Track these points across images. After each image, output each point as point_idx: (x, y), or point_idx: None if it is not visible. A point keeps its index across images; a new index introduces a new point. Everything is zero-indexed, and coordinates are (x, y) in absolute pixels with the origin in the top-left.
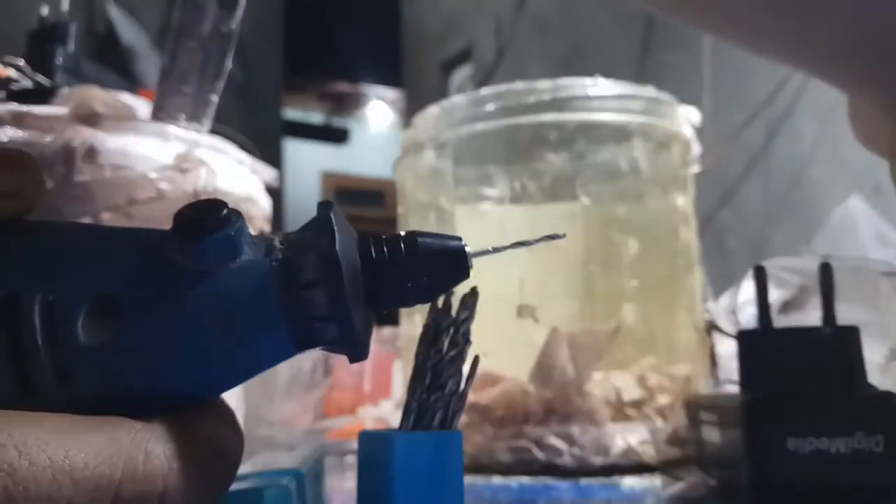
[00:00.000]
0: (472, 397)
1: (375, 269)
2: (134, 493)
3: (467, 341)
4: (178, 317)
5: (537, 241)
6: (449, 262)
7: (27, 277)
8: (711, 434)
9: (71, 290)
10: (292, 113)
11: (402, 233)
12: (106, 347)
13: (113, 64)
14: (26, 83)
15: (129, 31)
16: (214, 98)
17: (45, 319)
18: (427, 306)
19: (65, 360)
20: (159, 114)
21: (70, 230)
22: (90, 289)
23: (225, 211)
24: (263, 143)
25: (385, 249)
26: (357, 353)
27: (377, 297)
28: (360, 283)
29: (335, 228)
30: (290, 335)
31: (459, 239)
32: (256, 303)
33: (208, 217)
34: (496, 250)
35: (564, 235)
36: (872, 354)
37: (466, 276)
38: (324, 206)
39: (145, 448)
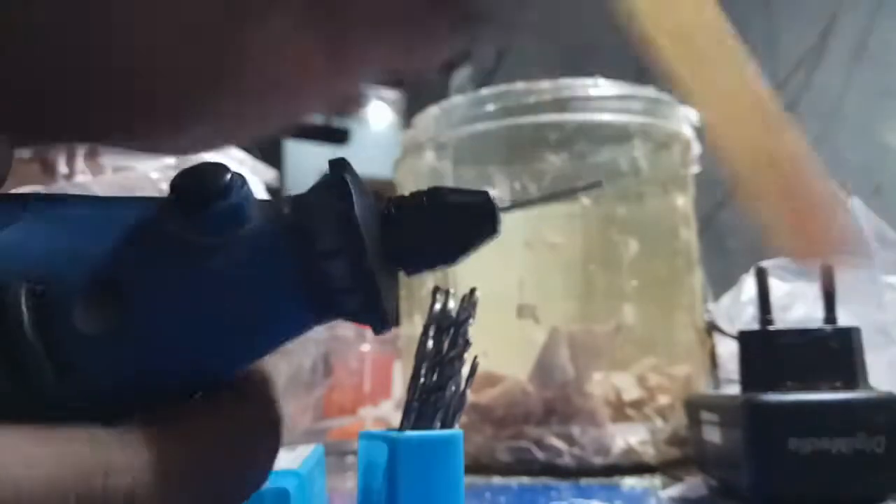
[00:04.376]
0: (472, 397)
1: (396, 230)
2: None
3: (467, 341)
4: (184, 297)
5: (574, 191)
6: (475, 218)
7: (12, 264)
8: (711, 434)
9: (62, 275)
10: None
11: (424, 189)
12: (108, 335)
13: None
14: None
15: None
16: None
17: (34, 309)
18: (427, 307)
19: (63, 351)
20: None
21: (57, 206)
22: (84, 273)
23: (229, 176)
24: (263, 143)
25: (405, 209)
26: (383, 323)
27: (400, 261)
28: (380, 248)
29: (351, 189)
30: (309, 307)
31: (486, 193)
32: (271, 276)
33: (211, 185)
34: (529, 203)
35: (601, 183)
36: (873, 354)
37: (495, 232)
38: (337, 165)
39: (107, 463)
